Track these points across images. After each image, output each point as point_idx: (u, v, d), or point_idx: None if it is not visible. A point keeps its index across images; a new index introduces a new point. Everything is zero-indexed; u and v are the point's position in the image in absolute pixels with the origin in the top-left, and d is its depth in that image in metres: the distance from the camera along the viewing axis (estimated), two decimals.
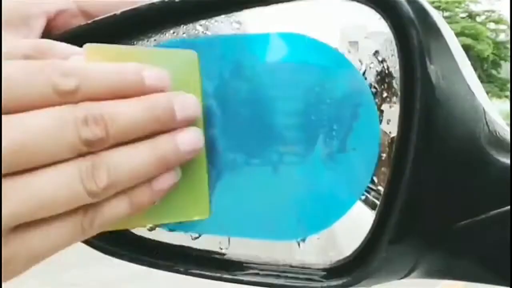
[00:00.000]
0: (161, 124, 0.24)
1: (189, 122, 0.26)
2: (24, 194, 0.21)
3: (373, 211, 0.29)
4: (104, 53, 0.25)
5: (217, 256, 0.33)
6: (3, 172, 0.21)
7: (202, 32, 0.31)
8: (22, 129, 0.21)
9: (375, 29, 0.29)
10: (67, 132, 0.22)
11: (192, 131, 0.26)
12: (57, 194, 0.22)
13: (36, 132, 0.21)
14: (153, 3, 0.30)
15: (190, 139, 0.25)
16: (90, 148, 0.22)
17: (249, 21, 0.31)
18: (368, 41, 0.30)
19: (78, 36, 0.30)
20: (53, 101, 0.22)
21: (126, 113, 0.23)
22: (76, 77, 0.22)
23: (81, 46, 0.26)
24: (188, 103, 0.25)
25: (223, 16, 0.31)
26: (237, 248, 0.33)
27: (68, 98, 0.22)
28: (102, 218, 0.24)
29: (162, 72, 0.25)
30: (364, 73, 0.29)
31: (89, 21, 0.31)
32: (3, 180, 0.21)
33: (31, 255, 0.22)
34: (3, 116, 0.21)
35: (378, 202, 0.28)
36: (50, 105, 0.22)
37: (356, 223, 0.30)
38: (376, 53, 0.29)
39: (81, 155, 0.22)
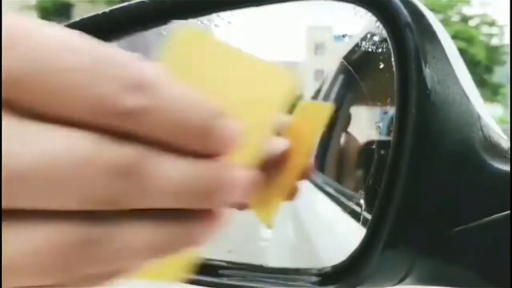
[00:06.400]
0: (198, 204, 0.16)
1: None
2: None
3: (357, 222, 0.28)
4: (202, 44, 0.18)
5: (200, 260, 0.32)
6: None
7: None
8: (36, 152, 0.13)
9: (343, 32, 0.29)
10: (96, 180, 0.14)
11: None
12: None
13: (54, 164, 0.13)
14: (143, 1, 0.30)
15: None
16: (102, 207, 0.14)
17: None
18: (336, 44, 0.29)
19: None
20: (88, 117, 0.14)
21: (170, 178, 0.15)
22: (148, 96, 0.14)
23: None
24: (241, 188, 0.17)
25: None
26: (219, 251, 0.32)
27: (114, 121, 0.14)
28: None
29: (238, 129, 0.17)
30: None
31: (77, 19, 0.31)
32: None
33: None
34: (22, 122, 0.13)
35: (360, 213, 0.28)
36: (84, 123, 0.14)
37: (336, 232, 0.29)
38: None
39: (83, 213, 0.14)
